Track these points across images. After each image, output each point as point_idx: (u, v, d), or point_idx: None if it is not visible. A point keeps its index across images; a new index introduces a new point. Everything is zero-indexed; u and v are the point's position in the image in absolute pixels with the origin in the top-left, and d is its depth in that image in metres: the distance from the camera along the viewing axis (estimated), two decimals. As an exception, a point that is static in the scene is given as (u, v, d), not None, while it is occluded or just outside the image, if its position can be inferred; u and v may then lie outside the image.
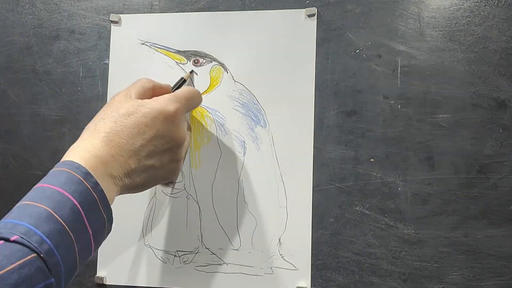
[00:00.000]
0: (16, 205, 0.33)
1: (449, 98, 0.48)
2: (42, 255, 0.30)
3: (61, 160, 0.36)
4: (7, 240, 0.29)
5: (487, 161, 0.47)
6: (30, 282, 0.29)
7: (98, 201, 0.34)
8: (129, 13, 0.54)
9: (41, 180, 0.35)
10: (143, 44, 0.53)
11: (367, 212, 0.48)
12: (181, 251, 0.51)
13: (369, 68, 0.49)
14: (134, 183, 0.39)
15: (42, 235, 0.30)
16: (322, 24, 0.50)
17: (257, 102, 0.51)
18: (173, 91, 0.45)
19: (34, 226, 0.30)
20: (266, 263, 0.50)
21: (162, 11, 0.53)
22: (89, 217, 0.34)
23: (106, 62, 0.54)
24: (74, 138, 0.53)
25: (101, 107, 0.53)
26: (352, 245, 0.48)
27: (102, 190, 0.35)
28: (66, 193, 0.33)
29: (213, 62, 0.52)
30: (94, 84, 0.54)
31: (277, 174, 0.50)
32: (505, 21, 0.47)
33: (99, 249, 0.52)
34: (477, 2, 0.48)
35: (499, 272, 0.46)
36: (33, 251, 0.29)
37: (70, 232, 0.32)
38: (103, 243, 0.52)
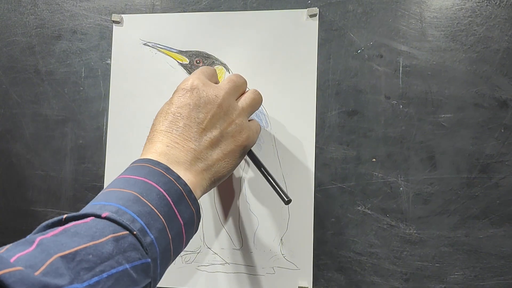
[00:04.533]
0: (99, 194, 0.32)
1: (451, 98, 0.48)
2: (135, 232, 0.29)
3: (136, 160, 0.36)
4: (98, 216, 0.29)
5: (488, 161, 0.47)
6: (126, 256, 0.28)
7: (184, 193, 0.34)
8: (131, 13, 0.54)
9: (121, 174, 0.34)
10: (145, 44, 0.53)
11: (369, 212, 0.48)
12: (183, 250, 0.51)
13: (371, 68, 0.49)
14: (211, 164, 0.38)
15: (133, 214, 0.29)
16: (324, 24, 0.50)
17: (259, 102, 0.51)
18: None
19: (123, 206, 0.30)
20: (268, 263, 0.50)
21: (164, 11, 0.53)
22: (178, 207, 0.33)
23: (108, 62, 0.54)
24: (77, 138, 0.54)
25: (103, 107, 0.54)
26: (353, 245, 0.48)
27: (186, 183, 0.34)
28: (151, 182, 0.32)
29: (215, 62, 0.52)
30: (96, 84, 0.54)
31: (278, 174, 0.50)
32: (507, 21, 0.47)
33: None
34: (479, 2, 0.48)
35: (500, 272, 0.46)
36: (125, 228, 0.29)
37: (160, 215, 0.31)
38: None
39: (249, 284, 0.50)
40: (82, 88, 0.54)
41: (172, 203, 0.33)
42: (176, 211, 0.33)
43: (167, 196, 0.33)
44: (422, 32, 0.49)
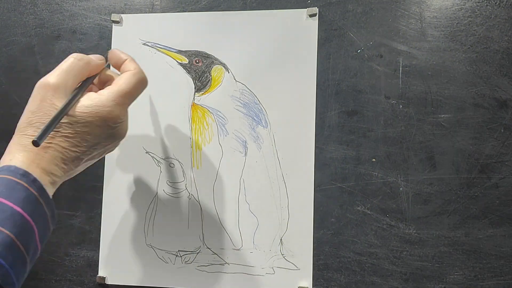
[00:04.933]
0: None
1: (450, 98, 0.48)
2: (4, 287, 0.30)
3: (12, 164, 0.34)
4: None
5: (488, 161, 0.47)
6: None
7: (49, 217, 0.34)
8: (131, 13, 0.54)
9: None
10: (144, 44, 0.53)
11: (369, 212, 0.48)
12: (183, 251, 0.51)
13: (371, 68, 0.49)
14: (75, 173, 0.39)
15: (8, 267, 0.30)
16: (324, 24, 0.50)
17: (258, 102, 0.51)
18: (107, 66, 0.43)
19: (0, 257, 0.30)
20: (267, 263, 0.50)
21: (164, 11, 0.53)
22: (40, 236, 0.33)
23: (107, 62, 0.54)
24: (76, 138, 0.54)
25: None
26: (353, 245, 0.48)
27: (53, 206, 0.34)
28: (26, 216, 0.32)
29: (214, 62, 0.52)
30: (95, 84, 0.54)
31: (278, 174, 0.50)
32: (507, 21, 0.47)
33: (100, 249, 0.52)
34: (478, 2, 0.48)
35: (500, 272, 0.46)
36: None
37: (28, 258, 0.32)
38: (106, 242, 0.52)
39: (249, 285, 0.50)
40: (81, 88, 0.54)
41: (37, 237, 0.32)
42: (38, 243, 0.33)
43: (36, 230, 0.32)
44: (422, 32, 0.49)
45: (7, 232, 0.30)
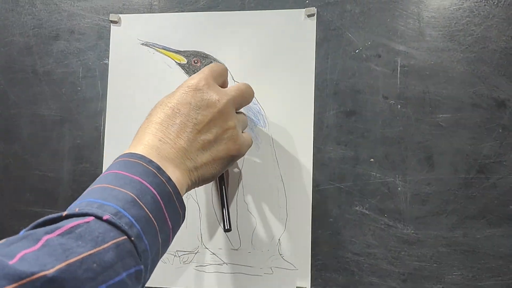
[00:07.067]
0: (94, 187, 0.32)
1: (449, 98, 0.48)
2: (132, 239, 0.29)
3: (126, 152, 0.35)
4: (99, 218, 0.28)
5: (486, 161, 0.47)
6: (123, 264, 0.28)
7: (173, 195, 0.34)
8: (129, 13, 0.54)
9: (113, 166, 0.34)
10: (143, 44, 0.53)
11: (367, 212, 0.48)
12: (181, 251, 0.51)
13: (369, 68, 0.49)
14: (198, 166, 0.38)
15: (131, 218, 0.29)
16: (322, 24, 0.50)
17: (256, 102, 0.51)
18: None
19: (122, 209, 0.29)
20: (265, 263, 0.50)
21: (162, 11, 0.53)
22: (168, 210, 0.33)
23: (105, 62, 0.54)
24: (74, 138, 0.54)
25: (100, 107, 0.54)
26: (351, 245, 0.48)
27: (175, 185, 0.34)
28: (145, 183, 0.32)
29: (212, 62, 0.52)
30: (93, 84, 0.54)
31: (276, 174, 0.50)
32: (505, 21, 0.47)
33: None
34: (476, 2, 0.48)
35: (498, 272, 0.46)
36: (124, 232, 0.29)
37: (154, 220, 0.31)
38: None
39: (247, 285, 0.50)
40: (79, 88, 0.54)
41: (163, 207, 0.33)
42: (166, 215, 0.33)
43: (159, 199, 0.32)
44: (420, 32, 0.49)
45: (127, 191, 0.31)
